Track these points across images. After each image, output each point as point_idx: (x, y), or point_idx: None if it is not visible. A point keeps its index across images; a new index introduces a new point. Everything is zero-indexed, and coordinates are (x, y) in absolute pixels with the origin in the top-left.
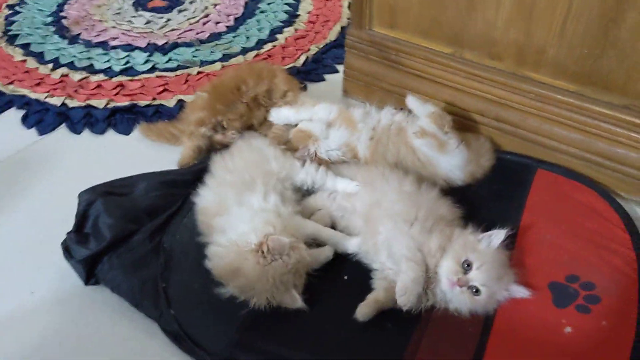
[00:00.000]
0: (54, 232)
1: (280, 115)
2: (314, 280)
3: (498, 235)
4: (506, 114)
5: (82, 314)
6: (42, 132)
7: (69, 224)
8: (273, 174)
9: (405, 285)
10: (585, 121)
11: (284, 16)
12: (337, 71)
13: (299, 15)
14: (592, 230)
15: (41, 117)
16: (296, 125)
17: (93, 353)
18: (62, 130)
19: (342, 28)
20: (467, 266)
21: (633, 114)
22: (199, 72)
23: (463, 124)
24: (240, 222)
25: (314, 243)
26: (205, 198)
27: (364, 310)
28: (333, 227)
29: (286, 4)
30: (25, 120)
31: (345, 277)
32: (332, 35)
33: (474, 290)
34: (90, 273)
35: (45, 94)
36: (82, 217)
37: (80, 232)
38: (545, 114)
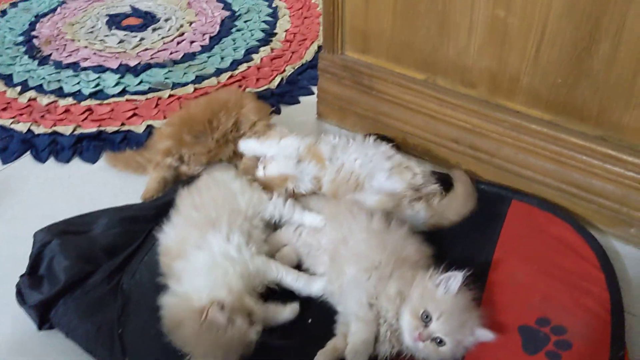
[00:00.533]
0: (9, 272)
1: (247, 147)
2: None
3: (456, 279)
4: (481, 142)
5: None
6: (5, 161)
7: (25, 264)
8: (240, 211)
9: (355, 348)
10: (560, 152)
11: (261, 35)
12: (312, 93)
13: (276, 33)
14: (566, 269)
15: (6, 145)
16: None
17: None
18: (27, 159)
19: (319, 47)
20: (426, 317)
21: (608, 145)
22: (170, 96)
23: (438, 151)
24: (196, 274)
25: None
26: (169, 236)
27: (321, 359)
28: (299, 264)
29: (264, 21)
30: None
31: (310, 320)
32: (309, 55)
33: (437, 341)
34: (44, 317)
35: (11, 120)
36: (36, 259)
37: (34, 274)
38: (520, 144)
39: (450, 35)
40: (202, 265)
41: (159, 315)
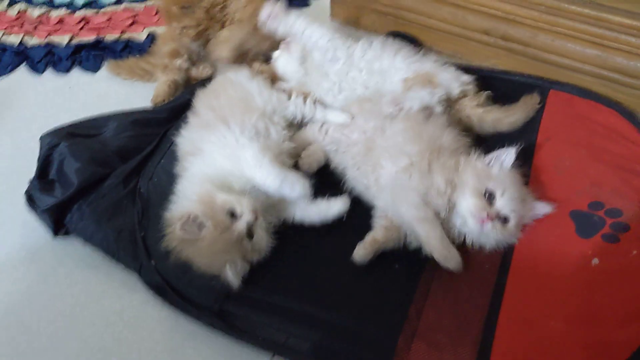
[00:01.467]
0: (15, 182)
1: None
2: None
3: (509, 155)
4: (514, 31)
5: (53, 269)
6: None
7: (30, 175)
8: (257, 109)
9: (439, 251)
10: (602, 34)
11: None
12: None
13: None
14: (615, 153)
15: None
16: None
17: (67, 313)
18: (22, 71)
19: None
20: (489, 196)
21: None
22: None
23: (466, 45)
24: (190, 179)
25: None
26: (186, 139)
27: (361, 252)
28: (327, 163)
29: None
30: None
31: (344, 218)
32: None
33: (503, 219)
34: (58, 223)
35: (2, 32)
36: (45, 162)
37: (44, 178)
38: (558, 29)
39: None
40: (197, 168)
41: None
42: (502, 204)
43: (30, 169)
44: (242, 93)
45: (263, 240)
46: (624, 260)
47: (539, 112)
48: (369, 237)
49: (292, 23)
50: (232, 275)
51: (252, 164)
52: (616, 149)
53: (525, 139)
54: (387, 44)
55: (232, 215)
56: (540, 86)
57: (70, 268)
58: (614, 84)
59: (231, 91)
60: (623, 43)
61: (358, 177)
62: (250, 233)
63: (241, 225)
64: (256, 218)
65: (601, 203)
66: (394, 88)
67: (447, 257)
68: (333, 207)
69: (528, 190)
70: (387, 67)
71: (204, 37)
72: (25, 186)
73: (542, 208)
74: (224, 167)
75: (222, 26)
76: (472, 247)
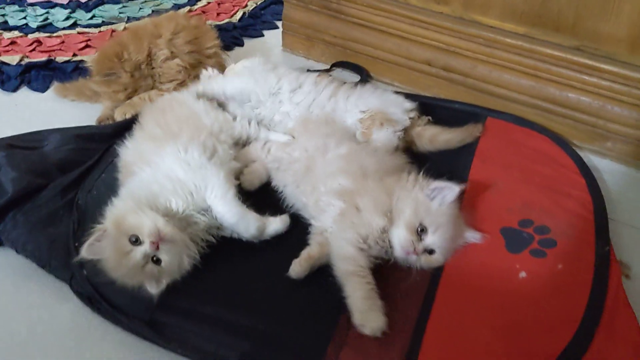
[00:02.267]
0: None
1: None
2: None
3: (452, 191)
4: (455, 62)
5: None
6: None
7: None
8: (204, 128)
9: (360, 309)
10: (536, 65)
11: None
12: (276, 27)
13: None
14: (545, 175)
15: None
16: None
17: None
18: None
19: None
20: (421, 231)
21: (584, 55)
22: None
23: (410, 75)
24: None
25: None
26: (129, 151)
27: (297, 268)
28: (268, 180)
29: None
30: None
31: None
32: None
33: (429, 251)
34: None
35: None
36: None
37: None
38: (495, 60)
39: None
40: (132, 183)
41: None
42: (432, 240)
43: None
44: (188, 112)
45: (174, 265)
46: (550, 273)
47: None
48: (305, 254)
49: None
50: (150, 289)
51: (216, 194)
52: (547, 171)
53: (461, 162)
54: (338, 88)
55: (135, 240)
56: (479, 114)
57: (0, 279)
58: (547, 113)
59: (178, 109)
60: (555, 75)
61: (297, 195)
62: (156, 259)
63: (137, 254)
64: (157, 248)
65: (531, 221)
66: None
67: (364, 320)
68: (270, 226)
69: (461, 220)
70: (340, 108)
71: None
72: None
73: (473, 237)
74: (164, 183)
75: (154, 80)
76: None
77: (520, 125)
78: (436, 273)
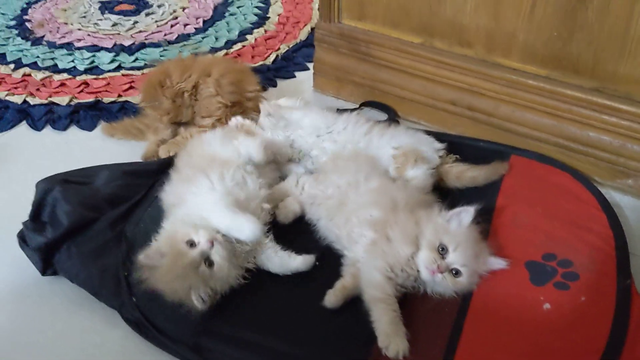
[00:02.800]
0: (9, 226)
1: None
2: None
3: (468, 213)
4: (478, 102)
5: (38, 306)
6: (0, 130)
7: (26, 217)
8: (231, 162)
9: (387, 332)
10: (557, 106)
11: (254, 18)
12: (307, 69)
13: (268, 17)
14: (568, 210)
15: (0, 115)
16: None
17: (48, 347)
18: (23, 128)
19: (312, 29)
20: (442, 250)
21: (603, 96)
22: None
23: (435, 114)
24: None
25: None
26: (170, 195)
27: (332, 299)
28: (302, 214)
29: (256, 7)
30: None
31: (317, 263)
32: (303, 35)
33: (454, 273)
34: (47, 263)
35: (6, 93)
36: (38, 206)
37: (37, 220)
38: (517, 100)
39: None
40: (176, 214)
41: None
42: (454, 258)
43: (25, 214)
44: (210, 150)
45: (224, 269)
46: (573, 305)
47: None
48: (339, 284)
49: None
50: (196, 300)
51: (208, 207)
52: (569, 207)
53: (487, 199)
54: (373, 126)
55: (191, 244)
56: (503, 151)
57: (54, 305)
58: (569, 150)
59: (201, 149)
60: (576, 114)
61: (330, 228)
62: (209, 261)
63: (195, 251)
64: (212, 246)
65: (554, 255)
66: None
67: (388, 343)
68: (293, 262)
69: (484, 245)
70: (373, 145)
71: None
72: (18, 230)
73: (497, 263)
74: (198, 211)
75: (194, 112)
76: (432, 294)
77: (543, 162)
78: (463, 304)
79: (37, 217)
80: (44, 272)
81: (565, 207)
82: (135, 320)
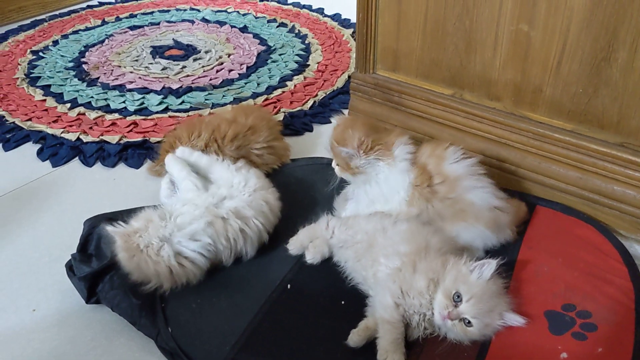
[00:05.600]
0: (58, 256)
1: None
2: (311, 301)
3: (489, 266)
4: (506, 153)
5: (81, 332)
6: (55, 165)
7: (74, 248)
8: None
9: (385, 349)
10: (582, 159)
11: (294, 65)
12: (343, 114)
13: (308, 65)
14: (589, 263)
15: (56, 151)
16: None
17: None
18: (75, 163)
19: (349, 77)
20: (457, 298)
21: (628, 151)
22: (210, 113)
23: None
24: None
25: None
26: None
27: (355, 338)
28: (330, 256)
29: (297, 54)
30: (40, 153)
31: (343, 302)
32: (340, 82)
33: (466, 322)
34: (91, 292)
35: (62, 130)
36: (86, 239)
37: (84, 252)
38: (544, 153)
39: (477, 51)
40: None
41: (199, 289)
42: (465, 308)
43: (73, 245)
44: None
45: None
46: (590, 355)
47: (525, 223)
48: (362, 324)
49: None
50: None
51: None
52: (590, 259)
53: (510, 249)
54: None
55: None
56: (528, 201)
57: (96, 332)
58: (593, 203)
59: None
60: (600, 168)
61: (358, 269)
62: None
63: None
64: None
65: (573, 305)
66: None
67: (385, 356)
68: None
69: (503, 300)
70: None
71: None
72: (66, 260)
73: (514, 320)
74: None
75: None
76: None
77: (567, 214)
78: (483, 350)
79: (84, 249)
80: (88, 301)
81: (587, 258)
82: (170, 349)
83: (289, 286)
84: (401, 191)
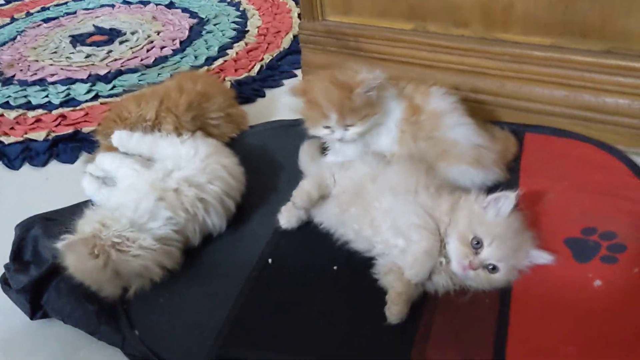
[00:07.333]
0: None
1: None
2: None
3: (507, 200)
4: (482, 83)
5: (30, 355)
6: None
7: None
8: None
9: (416, 257)
10: (567, 74)
11: (232, 33)
12: (295, 75)
13: (247, 30)
14: (598, 181)
15: None
16: None
17: None
18: None
19: (295, 37)
20: (476, 244)
21: (616, 56)
22: None
23: None
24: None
25: None
26: None
27: (394, 310)
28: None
29: (233, 22)
30: None
31: (335, 268)
32: (286, 43)
33: (490, 268)
34: (35, 305)
35: None
36: (19, 246)
37: (19, 260)
38: (524, 75)
39: None
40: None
41: (165, 282)
42: (489, 253)
43: (5, 256)
44: None
45: None
46: (626, 278)
47: (518, 154)
48: (392, 294)
49: None
50: None
51: None
52: (598, 177)
53: (507, 181)
54: None
55: None
56: (515, 130)
57: (49, 352)
58: (585, 121)
59: None
60: (588, 81)
61: (347, 222)
62: None
63: None
64: None
65: (594, 228)
66: None
67: (415, 264)
68: None
69: (528, 236)
70: None
71: None
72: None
73: (541, 257)
74: None
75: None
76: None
77: (560, 136)
78: (505, 295)
79: (19, 257)
80: (32, 316)
81: (594, 178)
82: (141, 355)
83: (270, 261)
84: (393, 127)
